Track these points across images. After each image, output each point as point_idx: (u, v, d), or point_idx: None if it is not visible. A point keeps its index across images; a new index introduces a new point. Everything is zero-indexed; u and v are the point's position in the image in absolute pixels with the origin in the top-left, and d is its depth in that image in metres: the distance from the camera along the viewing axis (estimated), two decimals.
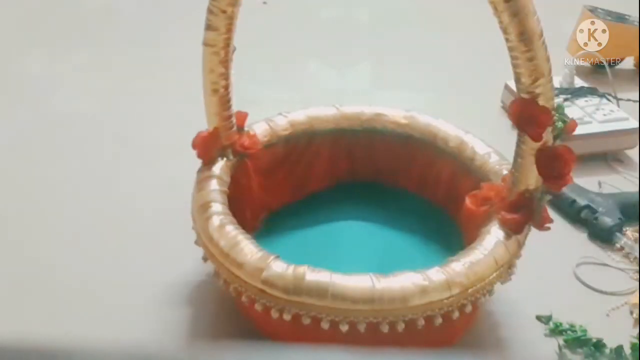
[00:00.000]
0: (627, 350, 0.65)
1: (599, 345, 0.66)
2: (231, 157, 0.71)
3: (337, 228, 0.76)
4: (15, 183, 0.88)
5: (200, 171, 0.69)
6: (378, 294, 0.55)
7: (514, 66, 0.56)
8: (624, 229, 0.80)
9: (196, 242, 0.65)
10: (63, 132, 0.99)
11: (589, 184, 0.88)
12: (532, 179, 0.60)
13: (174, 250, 0.74)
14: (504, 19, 0.53)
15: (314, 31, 1.33)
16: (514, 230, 0.62)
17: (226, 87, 0.68)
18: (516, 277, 0.63)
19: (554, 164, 0.58)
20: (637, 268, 0.76)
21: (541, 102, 0.56)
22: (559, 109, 0.57)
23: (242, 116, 0.72)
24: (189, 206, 0.67)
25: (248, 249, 0.59)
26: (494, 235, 0.61)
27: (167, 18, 1.35)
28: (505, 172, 0.67)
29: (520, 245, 0.62)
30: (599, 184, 0.89)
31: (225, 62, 0.67)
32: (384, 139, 0.79)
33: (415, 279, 0.56)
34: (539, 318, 0.69)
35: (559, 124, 0.57)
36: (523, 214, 0.61)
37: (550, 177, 0.59)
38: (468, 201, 0.67)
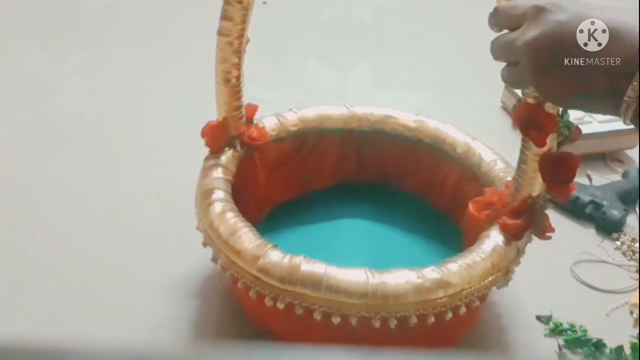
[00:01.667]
0: (627, 350, 0.65)
1: (599, 345, 0.66)
2: (238, 148, 0.71)
3: (339, 226, 0.77)
4: (15, 183, 0.88)
5: (206, 159, 0.70)
6: (372, 289, 0.56)
7: None
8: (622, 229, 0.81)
9: (197, 228, 0.65)
10: (63, 132, 0.99)
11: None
12: (535, 185, 0.60)
13: (175, 250, 0.74)
14: None
15: (314, 31, 1.33)
16: (513, 236, 0.61)
17: (238, 78, 0.69)
18: (516, 277, 0.63)
19: (558, 170, 0.58)
20: (637, 267, 0.76)
21: (546, 107, 0.56)
22: (564, 115, 0.57)
23: (253, 109, 0.73)
24: (190, 205, 0.67)
25: (247, 237, 0.60)
26: (493, 240, 0.61)
27: (167, 18, 1.35)
28: (509, 178, 0.67)
29: (519, 252, 0.62)
30: (588, 176, 0.89)
31: (239, 53, 0.67)
32: (392, 141, 0.79)
33: (410, 276, 0.57)
34: (539, 318, 0.69)
35: (564, 131, 0.57)
36: (524, 221, 0.61)
37: (554, 183, 0.59)
38: (471, 206, 0.67)
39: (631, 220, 0.82)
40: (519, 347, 0.67)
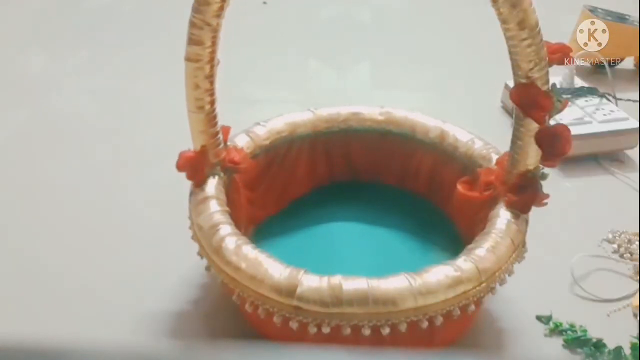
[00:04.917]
0: (627, 350, 0.65)
1: (599, 345, 0.66)
2: (221, 174, 0.68)
3: (328, 232, 0.75)
4: (14, 183, 0.88)
5: (193, 194, 0.66)
6: (417, 292, 0.56)
7: (513, 54, 0.57)
8: (618, 231, 0.80)
9: (207, 269, 0.63)
10: (63, 132, 0.99)
11: (587, 184, 0.89)
12: (531, 159, 0.62)
13: (173, 250, 0.74)
14: (503, 10, 0.56)
15: (314, 31, 1.33)
16: (521, 210, 0.63)
17: (212, 103, 0.65)
18: (516, 277, 0.63)
19: (554, 143, 0.60)
20: (637, 267, 0.76)
21: (538, 85, 0.58)
22: (554, 89, 0.60)
23: (226, 130, 0.70)
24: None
25: (274, 268, 0.58)
26: (503, 218, 0.63)
27: (167, 18, 1.34)
28: (494, 155, 0.69)
29: (527, 223, 0.64)
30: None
31: (211, 77, 0.64)
32: (361, 137, 0.79)
33: (447, 271, 0.57)
34: (539, 318, 0.69)
35: (557, 105, 0.59)
36: (529, 194, 0.63)
37: (551, 155, 0.60)
38: (461, 188, 0.69)
39: None
40: (519, 346, 0.66)
